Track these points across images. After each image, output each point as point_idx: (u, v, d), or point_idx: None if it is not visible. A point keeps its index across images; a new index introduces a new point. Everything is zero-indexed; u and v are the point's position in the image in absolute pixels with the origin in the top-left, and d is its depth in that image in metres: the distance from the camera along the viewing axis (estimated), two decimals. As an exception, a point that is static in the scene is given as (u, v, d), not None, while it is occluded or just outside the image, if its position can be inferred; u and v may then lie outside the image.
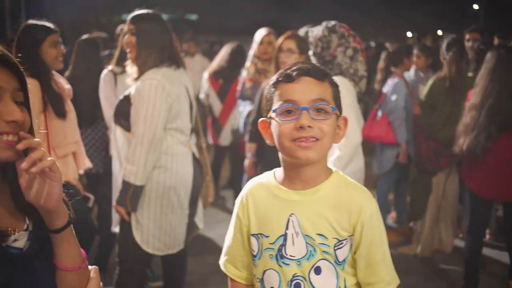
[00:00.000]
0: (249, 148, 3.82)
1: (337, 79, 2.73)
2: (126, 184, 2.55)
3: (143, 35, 2.60)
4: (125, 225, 2.65)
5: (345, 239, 1.34)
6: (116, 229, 2.76)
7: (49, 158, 1.05)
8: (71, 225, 1.14)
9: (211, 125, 5.37)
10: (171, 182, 2.63)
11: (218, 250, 4.75)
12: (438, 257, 4.18)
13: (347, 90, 2.75)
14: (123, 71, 3.37)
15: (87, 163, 3.01)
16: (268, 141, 1.41)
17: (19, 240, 1.09)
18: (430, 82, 4.17)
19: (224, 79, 5.23)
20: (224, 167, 5.79)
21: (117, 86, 3.42)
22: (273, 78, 1.40)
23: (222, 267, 1.53)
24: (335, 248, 1.34)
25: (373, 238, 1.35)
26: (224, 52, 5.34)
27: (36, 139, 1.05)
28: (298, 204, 1.36)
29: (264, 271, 1.40)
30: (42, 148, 1.04)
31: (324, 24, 2.89)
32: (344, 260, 1.35)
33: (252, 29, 4.99)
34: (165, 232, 2.67)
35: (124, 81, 3.36)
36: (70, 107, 2.85)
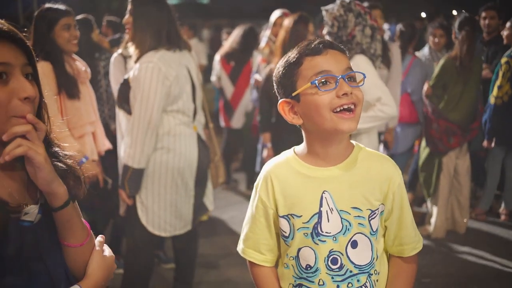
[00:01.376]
0: (265, 138, 3.85)
1: (359, 58, 2.78)
2: (125, 167, 2.58)
3: (139, 16, 2.59)
4: (131, 207, 2.67)
5: (377, 209, 1.38)
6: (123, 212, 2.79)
7: (34, 145, 1.06)
8: (72, 204, 1.16)
9: (223, 107, 5.37)
10: (174, 162, 2.64)
11: (231, 232, 4.82)
12: (451, 238, 4.16)
13: (371, 69, 2.74)
14: None
15: (106, 144, 3.05)
16: (294, 121, 1.38)
17: (30, 213, 1.12)
18: (441, 62, 4.12)
19: (236, 61, 5.21)
20: (236, 149, 5.81)
21: (127, 70, 3.42)
22: (293, 56, 1.36)
23: (242, 254, 1.51)
24: (369, 219, 1.37)
25: (403, 204, 1.42)
26: (236, 34, 5.31)
27: (24, 126, 1.06)
28: (330, 181, 1.37)
29: (299, 249, 1.40)
30: (31, 133, 1.06)
31: (338, 2, 2.83)
32: (376, 230, 1.39)
33: (265, 12, 4.96)
34: (170, 213, 2.68)
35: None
36: (86, 89, 2.89)
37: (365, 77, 1.36)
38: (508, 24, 4.39)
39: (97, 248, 1.25)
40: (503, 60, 4.29)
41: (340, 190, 1.37)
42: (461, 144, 4.09)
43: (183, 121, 2.67)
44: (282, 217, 1.41)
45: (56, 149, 1.19)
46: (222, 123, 5.43)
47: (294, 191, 1.39)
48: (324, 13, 2.85)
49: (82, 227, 1.20)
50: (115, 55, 3.46)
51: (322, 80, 1.30)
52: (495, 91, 4.30)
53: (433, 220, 4.20)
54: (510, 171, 4.51)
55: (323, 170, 1.38)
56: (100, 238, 1.29)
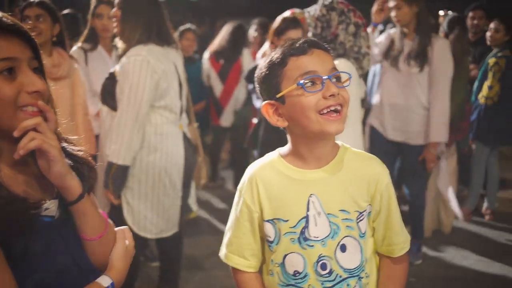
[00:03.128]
0: None
1: (340, 63, 2.68)
2: (109, 165, 2.51)
3: (128, 10, 2.54)
4: (116, 208, 2.61)
5: (364, 210, 1.36)
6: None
7: (47, 138, 1.04)
8: (88, 196, 1.15)
9: (212, 105, 5.35)
10: (161, 162, 2.60)
11: (217, 231, 4.79)
12: (437, 238, 4.19)
13: (352, 81, 2.66)
14: (93, 48, 3.38)
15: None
16: (278, 123, 1.35)
17: (50, 208, 1.11)
18: None
19: (226, 59, 5.20)
20: (224, 148, 5.80)
21: (88, 64, 3.38)
22: (276, 56, 1.33)
23: (224, 260, 1.48)
24: (357, 221, 1.35)
25: (390, 204, 1.40)
26: (225, 32, 5.29)
27: (34, 119, 1.04)
28: (317, 183, 1.34)
29: (285, 256, 1.37)
30: (43, 126, 1.04)
31: (320, 1, 2.78)
32: (365, 232, 1.37)
33: (254, 9, 4.94)
34: (158, 214, 2.65)
35: (96, 58, 3.35)
36: (59, 86, 2.82)
37: (350, 77, 1.34)
38: (492, 25, 4.41)
39: (119, 238, 1.26)
40: (492, 60, 4.32)
41: (327, 192, 1.34)
42: (450, 144, 4.10)
43: (170, 119, 2.63)
44: (267, 221, 1.38)
45: (64, 143, 1.18)
46: (211, 121, 5.41)
47: (280, 195, 1.36)
48: (306, 15, 2.81)
49: (99, 220, 1.19)
50: (74, 48, 3.41)
51: (308, 81, 1.27)
52: (485, 92, 4.34)
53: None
54: (493, 170, 4.56)
55: (309, 172, 1.36)
56: (122, 228, 1.30)
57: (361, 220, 1.36)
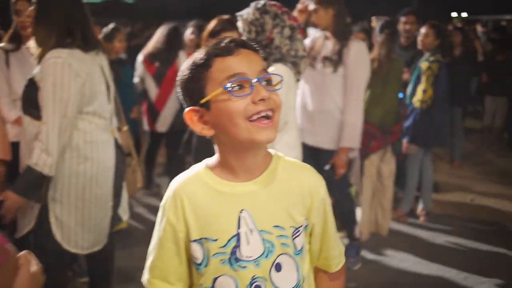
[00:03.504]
0: None
1: (276, 68, 2.57)
2: (33, 173, 2.26)
3: (44, 11, 2.33)
4: (43, 221, 2.39)
5: (301, 225, 1.25)
6: (22, 233, 2.45)
7: None
8: None
9: (146, 110, 5.15)
10: (92, 172, 2.40)
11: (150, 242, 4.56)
12: (375, 241, 4.21)
13: (289, 87, 2.56)
14: (16, 49, 3.13)
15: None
16: (204, 132, 1.21)
17: None
18: None
19: (161, 62, 5.02)
20: (160, 153, 5.61)
21: (10, 66, 3.12)
22: (200, 57, 1.19)
23: (147, 286, 1.31)
24: (293, 237, 1.24)
25: (326, 217, 1.32)
26: (159, 34, 5.11)
27: None
28: (248, 197, 1.21)
29: (215, 279, 1.23)
30: None
31: (253, 5, 2.67)
32: (301, 248, 1.27)
33: (191, 12, 4.81)
34: (89, 229, 2.45)
35: (18, 60, 3.10)
36: None
37: (282, 79, 1.22)
38: (423, 30, 4.51)
39: (23, 262, 1.09)
40: (425, 65, 4.42)
41: (260, 207, 1.22)
42: (382, 147, 4.13)
43: (100, 126, 2.44)
44: (194, 241, 1.23)
45: None
46: (146, 126, 5.21)
47: (208, 211, 1.22)
48: (239, 19, 2.69)
49: None
50: None
51: (236, 85, 1.14)
52: (420, 96, 4.42)
53: (357, 222, 4.22)
54: (427, 172, 4.66)
55: (239, 185, 1.22)
56: (24, 253, 1.13)
57: (297, 236, 1.25)
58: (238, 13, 2.70)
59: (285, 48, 2.62)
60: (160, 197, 5.33)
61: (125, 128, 2.84)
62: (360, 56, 3.42)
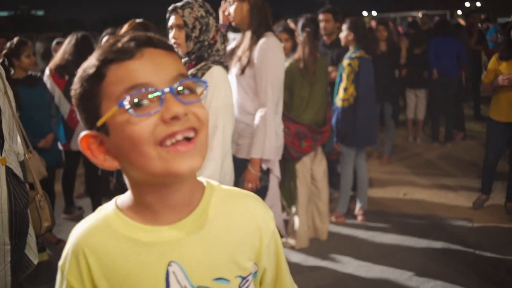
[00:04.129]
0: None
1: (215, 70, 2.35)
2: None
3: None
4: None
5: (250, 273, 0.98)
6: None
7: None
8: None
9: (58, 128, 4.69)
10: None
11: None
12: (315, 247, 4.04)
13: (226, 87, 2.39)
14: None
15: None
16: (106, 165, 0.90)
17: None
18: (286, 65, 3.99)
19: (70, 75, 4.58)
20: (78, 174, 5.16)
21: None
22: (90, 64, 0.88)
23: None
24: None
25: (279, 257, 1.06)
26: (67, 44, 4.67)
27: None
28: (177, 245, 0.92)
29: None
30: None
31: (192, 1, 2.44)
32: None
33: (106, 22, 4.46)
34: None
35: None
36: None
37: (207, 85, 0.92)
38: (343, 27, 4.45)
39: None
40: (346, 62, 4.34)
41: (193, 256, 0.93)
42: (313, 148, 3.98)
43: None
44: None
45: None
46: (60, 145, 4.75)
47: (124, 269, 0.91)
48: (179, 11, 2.40)
49: None
50: None
51: (136, 100, 0.83)
52: (341, 94, 4.33)
53: (296, 229, 4.04)
54: (361, 171, 4.58)
55: (163, 230, 0.92)
56: None
57: None
58: (176, 4, 2.44)
59: (223, 52, 2.48)
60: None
61: (28, 155, 2.44)
62: (265, 54, 2.96)
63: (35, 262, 2.31)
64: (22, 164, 2.35)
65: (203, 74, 2.39)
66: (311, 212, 4.14)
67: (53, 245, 4.20)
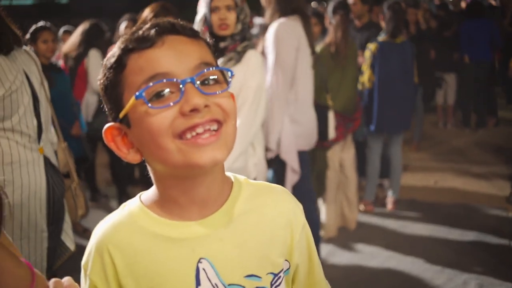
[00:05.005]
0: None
1: (253, 54, 2.36)
2: None
3: None
4: None
5: (281, 270, 0.93)
6: None
7: None
8: None
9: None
10: (15, 199, 2.01)
11: None
12: (343, 236, 3.94)
13: (261, 72, 2.42)
14: None
15: None
16: (129, 158, 0.87)
17: None
18: (316, 50, 3.86)
19: (74, 61, 4.58)
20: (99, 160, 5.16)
21: None
22: (112, 53, 0.86)
23: None
24: (273, 286, 0.92)
25: (311, 252, 1.01)
26: (77, 31, 4.65)
27: None
28: (206, 241, 0.87)
29: None
30: None
31: None
32: None
33: (131, 9, 4.43)
34: None
35: None
36: None
37: (232, 74, 0.86)
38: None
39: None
40: (368, 45, 4.18)
41: (223, 253, 0.88)
42: (345, 135, 3.88)
43: (23, 143, 2.05)
44: None
45: None
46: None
47: (152, 266, 0.86)
48: None
49: (20, 271, 0.84)
50: None
51: (154, 91, 0.80)
52: (360, 78, 4.19)
53: (323, 218, 3.94)
54: (394, 159, 4.43)
55: (192, 225, 0.87)
56: (55, 280, 0.87)
57: (278, 285, 0.93)
58: None
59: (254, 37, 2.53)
60: (109, 210, 4.92)
61: (63, 145, 2.45)
62: (272, 36, 2.78)
63: (72, 248, 2.34)
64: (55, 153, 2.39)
65: (244, 52, 2.38)
66: (339, 200, 4.04)
67: (80, 233, 4.20)
